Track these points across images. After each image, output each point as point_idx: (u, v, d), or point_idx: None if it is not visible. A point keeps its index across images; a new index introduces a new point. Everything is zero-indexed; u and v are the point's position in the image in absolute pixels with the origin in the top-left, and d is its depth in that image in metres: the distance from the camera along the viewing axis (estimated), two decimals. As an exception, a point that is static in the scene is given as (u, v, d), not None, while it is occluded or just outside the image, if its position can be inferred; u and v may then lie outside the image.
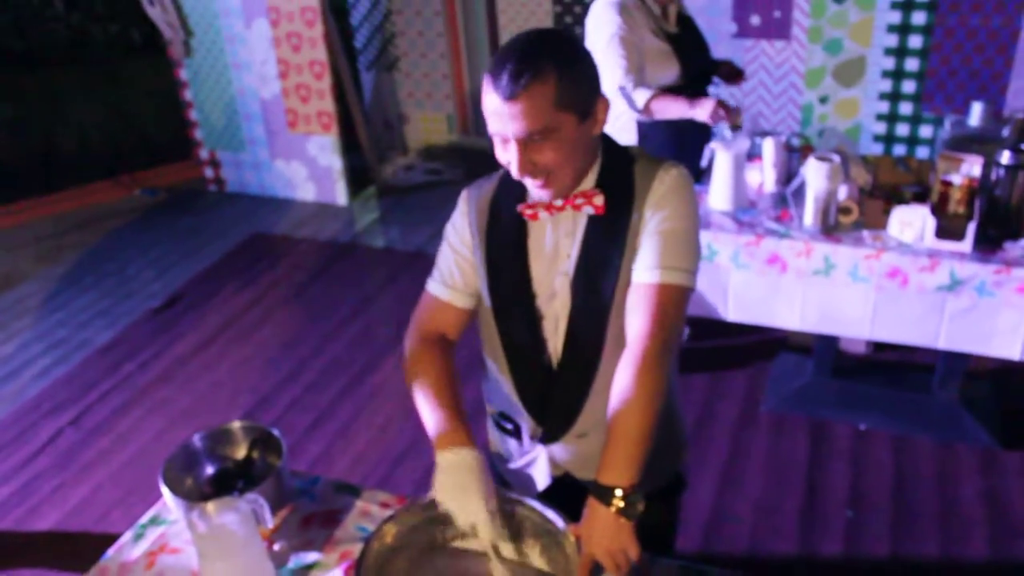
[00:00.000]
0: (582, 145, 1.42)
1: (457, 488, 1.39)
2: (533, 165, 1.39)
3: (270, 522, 1.57)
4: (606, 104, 1.43)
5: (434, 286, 1.63)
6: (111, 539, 1.72)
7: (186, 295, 4.64)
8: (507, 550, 1.47)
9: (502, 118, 1.34)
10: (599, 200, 1.46)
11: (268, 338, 4.19)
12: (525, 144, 1.36)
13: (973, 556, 2.70)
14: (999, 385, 3.43)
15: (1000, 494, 2.92)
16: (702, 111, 3.00)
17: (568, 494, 1.55)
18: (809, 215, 2.83)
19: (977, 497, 2.92)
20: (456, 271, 1.60)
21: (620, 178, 1.48)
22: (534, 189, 1.45)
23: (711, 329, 3.29)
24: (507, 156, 1.40)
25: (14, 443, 3.51)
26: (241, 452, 1.82)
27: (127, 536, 1.71)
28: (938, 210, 2.69)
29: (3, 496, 3.20)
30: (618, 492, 1.31)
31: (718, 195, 3.01)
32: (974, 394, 3.31)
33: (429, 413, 1.50)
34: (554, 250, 1.52)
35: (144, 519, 1.76)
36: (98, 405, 3.73)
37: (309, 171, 5.70)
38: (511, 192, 1.54)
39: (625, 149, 1.53)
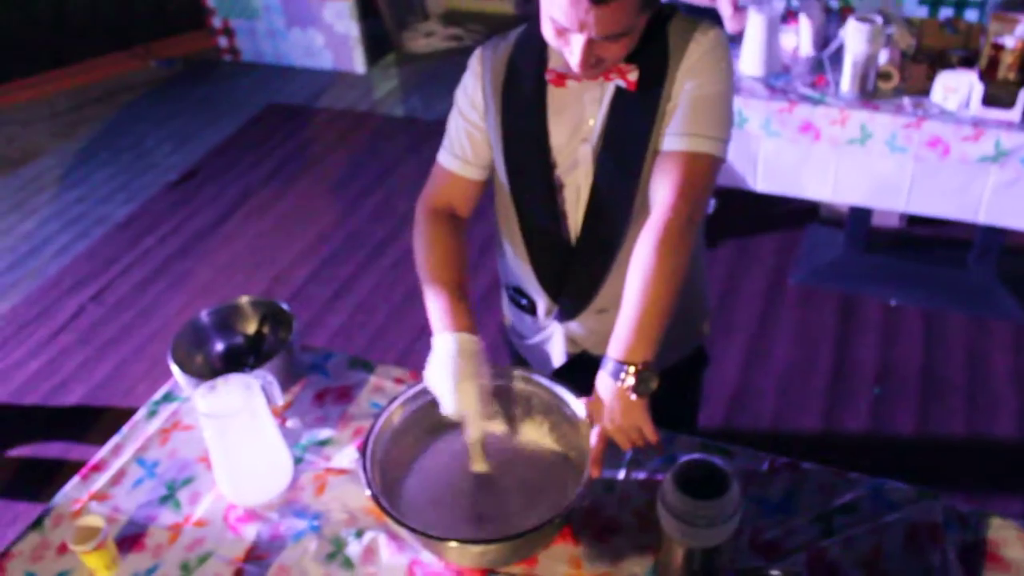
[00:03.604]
0: (639, 32, 1.31)
1: (450, 374, 1.33)
2: (598, 60, 1.28)
3: (280, 399, 1.54)
4: None
5: (444, 156, 1.54)
6: (134, 414, 1.71)
7: (203, 168, 4.56)
8: (503, 431, 1.44)
9: (578, 14, 1.21)
10: (633, 76, 1.35)
11: (286, 211, 4.13)
12: (594, 42, 1.25)
13: (1001, 433, 2.66)
14: (1037, 260, 3.32)
15: (1032, 371, 2.86)
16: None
17: (586, 372, 1.49)
18: (846, 81, 2.68)
19: (1008, 374, 2.86)
20: (466, 141, 1.50)
21: (655, 45, 1.36)
22: (565, 56, 1.32)
23: (739, 199, 3.18)
24: (564, 45, 1.28)
25: (37, 320, 3.52)
26: (251, 328, 1.78)
27: (140, 414, 1.70)
28: (987, 76, 2.52)
29: (30, 372, 3.24)
30: (630, 368, 1.24)
31: (750, 59, 2.85)
32: (1010, 270, 3.20)
33: (430, 294, 1.44)
34: (578, 116, 1.41)
35: (157, 396, 1.74)
36: (119, 280, 3.72)
37: (326, 38, 5.51)
38: (530, 52, 1.43)
39: (661, 6, 1.40)
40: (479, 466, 1.40)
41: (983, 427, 2.68)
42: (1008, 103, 2.51)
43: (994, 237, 3.09)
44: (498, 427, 1.50)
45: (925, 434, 2.67)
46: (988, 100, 2.53)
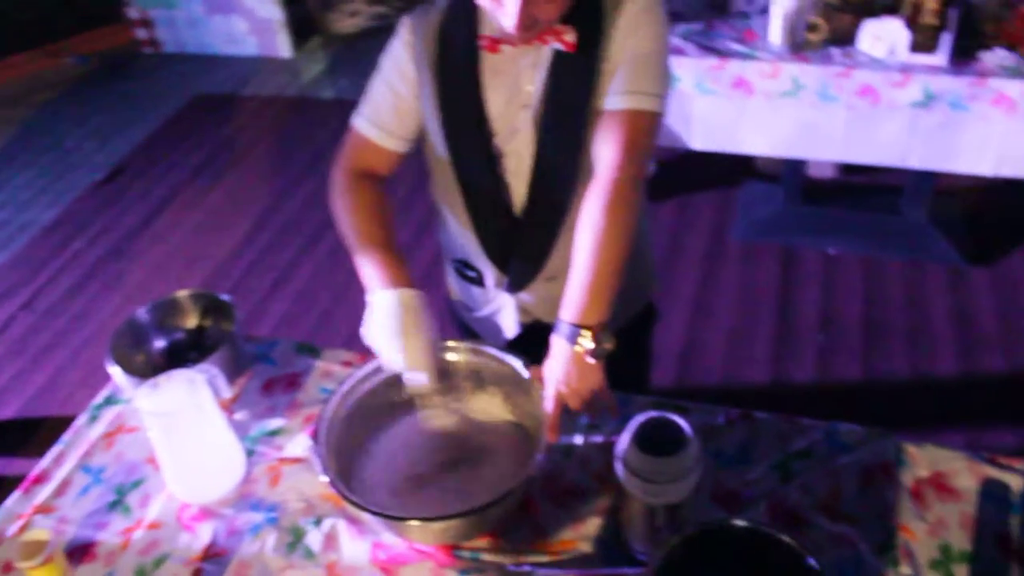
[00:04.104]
0: None
1: (395, 330, 1.28)
2: (533, 21, 1.25)
3: (227, 391, 1.50)
4: None
5: (362, 123, 1.48)
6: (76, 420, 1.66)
7: (130, 165, 4.43)
8: (447, 400, 1.42)
9: None
10: (570, 37, 1.32)
11: (220, 203, 4.04)
12: (529, 1, 1.21)
13: (942, 372, 2.72)
14: (967, 203, 3.39)
15: (968, 311, 2.93)
16: None
17: (539, 341, 1.47)
18: (776, 34, 2.69)
19: (946, 315, 2.92)
20: (389, 111, 1.45)
21: (589, 4, 1.34)
22: (499, 19, 1.29)
23: (675, 159, 3.19)
24: (497, 7, 1.25)
25: (-34, 332, 3.39)
26: (192, 322, 1.73)
27: (81, 419, 1.64)
28: (911, 22, 2.56)
29: (-38, 386, 3.12)
30: (585, 332, 1.23)
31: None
32: (943, 213, 3.27)
33: (362, 254, 1.39)
34: (515, 82, 1.38)
35: (98, 400, 1.69)
36: (49, 286, 3.60)
37: (249, 24, 5.39)
38: (462, 18, 1.39)
39: None
40: (430, 418, 1.38)
41: (925, 367, 2.74)
42: (933, 48, 2.54)
43: (924, 181, 3.15)
44: (451, 401, 1.48)
45: (870, 377, 2.73)
46: (914, 46, 2.57)
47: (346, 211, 1.44)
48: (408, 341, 1.29)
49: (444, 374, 1.45)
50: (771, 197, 3.44)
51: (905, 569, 1.21)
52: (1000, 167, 2.64)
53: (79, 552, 1.38)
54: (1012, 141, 2.58)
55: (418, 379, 1.32)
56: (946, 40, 2.52)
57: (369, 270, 1.37)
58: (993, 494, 1.29)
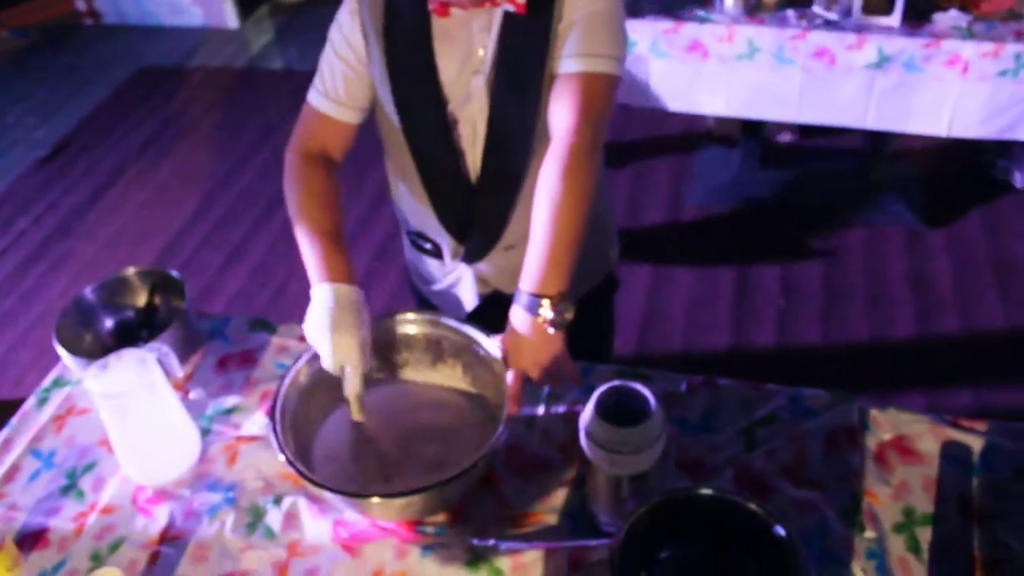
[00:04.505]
0: None
1: (327, 326, 1.25)
2: None
3: (179, 370, 1.46)
4: None
5: (316, 97, 1.44)
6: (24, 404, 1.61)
7: (74, 140, 4.31)
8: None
9: None
10: None
11: (169, 177, 3.94)
12: None
13: (901, 335, 2.75)
14: (923, 165, 3.41)
15: (925, 272, 2.96)
16: None
17: (499, 312, 1.44)
18: (730, -4, 2.67)
19: (903, 276, 2.95)
20: (340, 82, 1.41)
21: None
22: None
23: (633, 123, 3.17)
24: None
25: (-92, 315, 3.29)
26: (141, 300, 1.68)
27: (30, 402, 1.60)
28: (865, -19, 2.55)
29: (-95, 371, 3.03)
30: (545, 302, 1.20)
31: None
32: (899, 175, 3.29)
33: (305, 243, 1.36)
34: (467, 47, 1.34)
35: (46, 382, 1.64)
36: (-6, 266, 3.50)
37: (193, -6, 5.25)
38: None
39: None
40: (358, 416, 1.33)
41: (884, 329, 2.77)
42: (887, 10, 2.54)
43: (881, 143, 3.17)
44: (410, 373, 1.46)
45: (830, 341, 2.75)
46: (868, 8, 2.56)
47: (294, 196, 1.40)
48: (337, 338, 1.25)
49: (404, 345, 1.42)
50: (728, 161, 3.44)
51: (870, 533, 1.21)
52: (953, 128, 2.66)
53: (31, 539, 1.34)
54: (965, 102, 2.59)
55: (347, 378, 1.29)
56: (899, 2, 2.52)
57: (311, 261, 1.34)
58: (955, 456, 1.30)
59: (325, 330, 1.25)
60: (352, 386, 1.30)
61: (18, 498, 1.41)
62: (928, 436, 1.34)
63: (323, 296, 1.28)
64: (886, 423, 1.36)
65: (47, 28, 5.51)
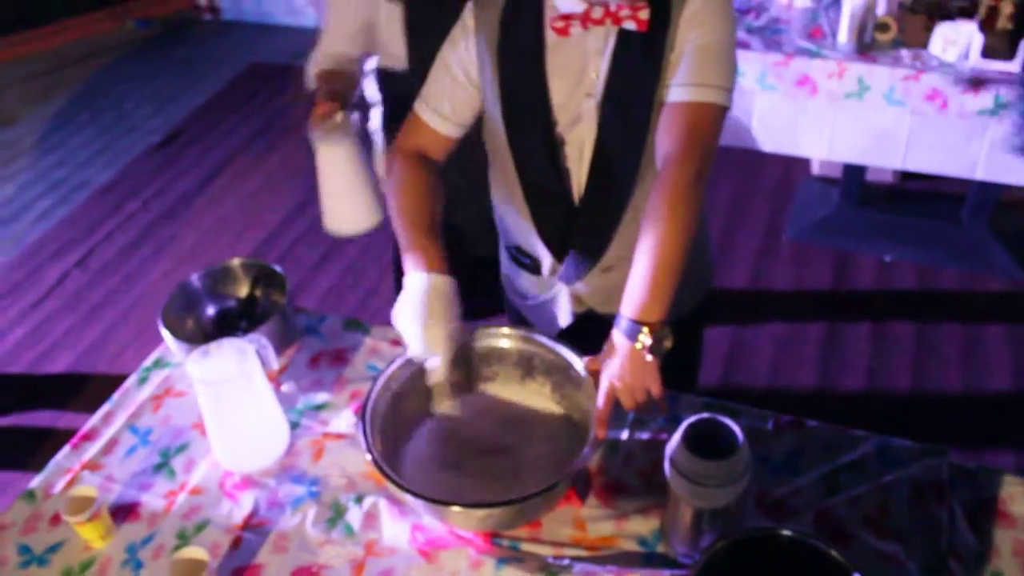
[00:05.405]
0: None
1: (418, 313, 1.28)
2: None
3: (275, 363, 1.51)
4: None
5: (421, 107, 1.47)
6: (124, 380, 1.68)
7: (187, 130, 4.47)
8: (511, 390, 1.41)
9: None
10: (644, 14, 1.29)
11: (273, 171, 4.06)
12: None
13: (994, 388, 2.66)
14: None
15: (1025, 326, 2.86)
16: None
17: (592, 331, 1.45)
18: (844, 32, 2.63)
19: (1002, 330, 2.85)
20: (446, 98, 1.44)
21: None
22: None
23: (731, 151, 3.13)
24: None
25: (22, 286, 3.46)
26: (243, 290, 1.74)
27: (131, 380, 1.67)
28: (986, 26, 2.48)
29: (15, 339, 3.18)
30: (645, 328, 1.21)
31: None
32: (1004, 225, 3.18)
33: (403, 235, 1.38)
34: (580, 69, 1.36)
35: (148, 362, 1.71)
36: (103, 245, 3.66)
37: (309, -5, 5.40)
38: (526, 3, 1.37)
39: None
40: (443, 407, 1.36)
41: (977, 383, 2.68)
42: (1008, 54, 2.47)
43: (989, 192, 3.07)
44: (498, 387, 1.47)
45: (921, 390, 2.67)
46: (987, 51, 2.49)
47: (393, 189, 1.43)
48: (427, 327, 1.28)
49: (495, 360, 1.44)
50: (827, 198, 3.38)
51: (953, 592, 1.18)
52: (1070, 183, 2.56)
53: (124, 511, 1.40)
54: (1085, 156, 2.50)
55: (433, 366, 1.32)
56: (1022, 47, 2.45)
57: (406, 250, 1.37)
58: (1050, 522, 1.26)
59: (417, 317, 1.28)
60: (438, 375, 1.32)
61: (115, 471, 1.47)
62: (1022, 499, 1.30)
63: (417, 284, 1.31)
64: (978, 482, 1.33)
65: (169, 21, 5.74)
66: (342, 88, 1.81)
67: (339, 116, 1.70)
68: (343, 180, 1.76)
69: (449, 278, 1.32)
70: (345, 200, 1.80)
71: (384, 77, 1.91)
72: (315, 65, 1.87)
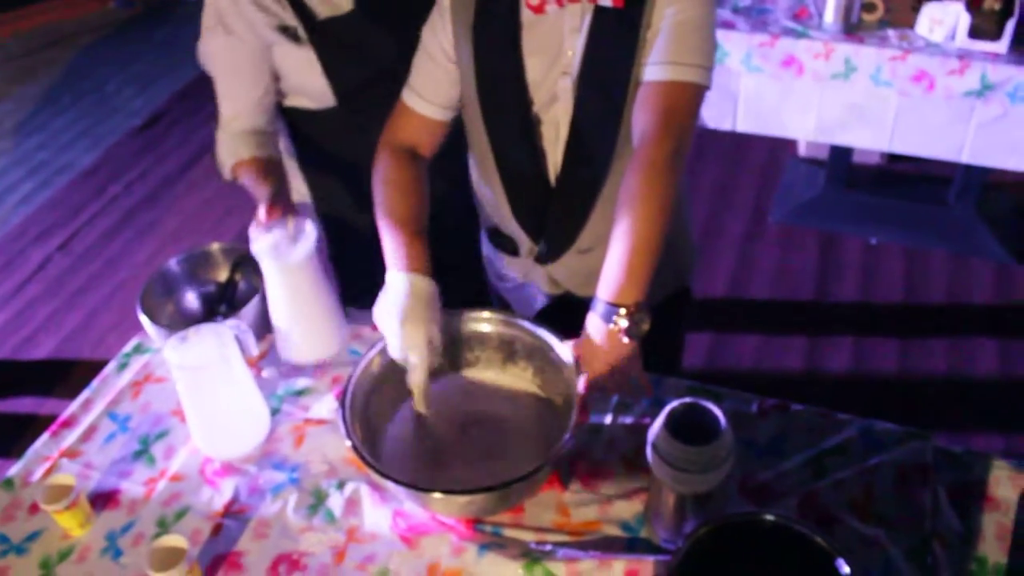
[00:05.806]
0: None
1: (398, 315, 1.27)
2: None
3: (255, 348, 1.49)
4: None
5: (407, 93, 1.45)
6: (105, 366, 1.66)
7: (169, 112, 4.43)
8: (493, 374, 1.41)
9: None
10: None
11: (256, 157, 4.02)
12: None
13: (981, 371, 2.66)
14: (1019, 198, 3.29)
15: (1013, 310, 2.85)
16: None
17: (569, 314, 1.44)
18: (830, 12, 2.61)
19: (988, 312, 2.85)
20: (429, 81, 1.43)
21: None
22: None
23: (716, 134, 3.12)
24: None
25: (3, 271, 3.43)
26: (223, 275, 1.72)
27: (111, 367, 1.65)
28: (972, 6, 2.46)
29: (-4, 324, 3.16)
30: (622, 310, 1.19)
31: (732, -8, 2.77)
32: (991, 207, 3.18)
33: (386, 232, 1.38)
34: (556, 47, 1.34)
35: (127, 348, 1.69)
36: (86, 229, 3.63)
37: (292, -23, 5.33)
38: None
39: None
40: (421, 407, 1.35)
41: (963, 365, 2.68)
42: (995, 35, 2.45)
43: (975, 174, 3.06)
44: (479, 371, 1.47)
45: (907, 372, 2.67)
46: (974, 32, 2.47)
47: (379, 185, 1.42)
48: (406, 327, 1.27)
49: (476, 343, 1.43)
50: (813, 181, 3.37)
51: (937, 576, 1.18)
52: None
53: (103, 498, 1.39)
54: (1073, 138, 2.49)
55: (412, 367, 1.31)
56: (1010, 26, 2.43)
57: (389, 249, 1.36)
58: (1034, 505, 1.26)
59: (395, 318, 1.27)
60: (416, 376, 1.31)
61: (94, 458, 1.46)
62: (1007, 483, 1.29)
63: (398, 284, 1.30)
64: (962, 465, 1.32)
65: (150, 1, 5.67)
66: (275, 178, 1.61)
67: (290, 224, 1.47)
68: (302, 303, 1.51)
69: (431, 280, 1.32)
70: (307, 324, 1.54)
71: (296, 119, 1.79)
72: (230, 156, 1.72)
